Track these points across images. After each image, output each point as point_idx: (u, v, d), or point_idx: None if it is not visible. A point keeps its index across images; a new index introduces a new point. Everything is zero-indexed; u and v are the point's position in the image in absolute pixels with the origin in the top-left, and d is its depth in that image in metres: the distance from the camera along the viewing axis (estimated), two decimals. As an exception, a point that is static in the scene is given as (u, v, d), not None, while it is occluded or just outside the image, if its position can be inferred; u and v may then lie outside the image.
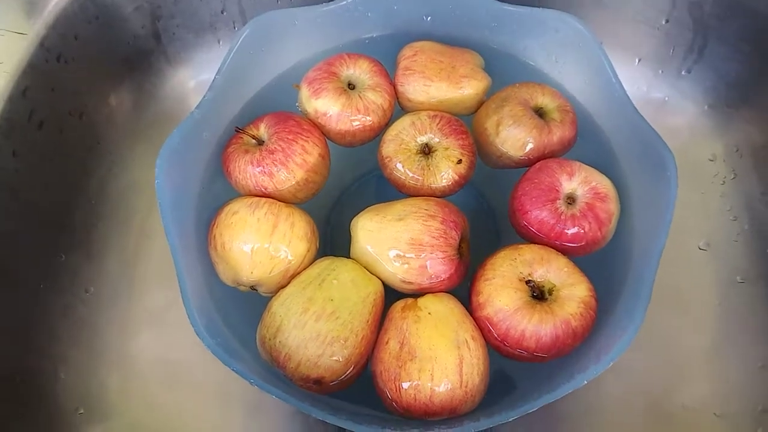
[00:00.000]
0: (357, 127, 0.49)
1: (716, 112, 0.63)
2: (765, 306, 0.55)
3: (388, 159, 0.49)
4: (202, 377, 0.52)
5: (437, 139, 0.48)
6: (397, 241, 0.44)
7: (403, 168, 0.48)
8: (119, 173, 0.61)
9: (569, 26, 0.49)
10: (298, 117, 0.49)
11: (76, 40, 0.55)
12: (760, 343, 0.53)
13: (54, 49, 0.53)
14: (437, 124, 0.49)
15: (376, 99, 0.49)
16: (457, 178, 0.48)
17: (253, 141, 0.48)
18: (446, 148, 0.48)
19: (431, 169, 0.48)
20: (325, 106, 0.48)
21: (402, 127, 0.49)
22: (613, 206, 0.45)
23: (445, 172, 0.48)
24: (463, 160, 0.48)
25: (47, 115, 0.53)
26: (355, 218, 0.46)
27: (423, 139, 0.49)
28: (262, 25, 0.50)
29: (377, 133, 0.51)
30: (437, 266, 0.43)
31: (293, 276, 0.45)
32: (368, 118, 0.49)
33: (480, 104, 0.52)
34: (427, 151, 0.49)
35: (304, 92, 0.50)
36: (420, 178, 0.48)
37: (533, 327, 0.40)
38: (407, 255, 0.43)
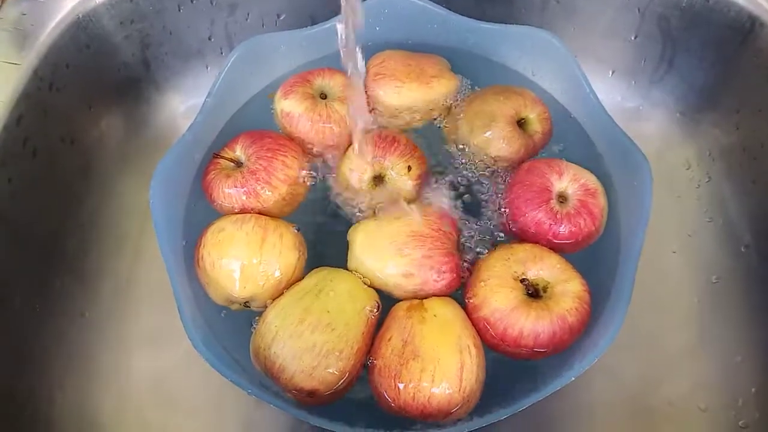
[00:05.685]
0: (318, 130, 0.50)
1: (687, 118, 0.65)
2: (740, 303, 0.56)
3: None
4: (197, 399, 0.52)
5: (378, 164, 0.49)
6: (397, 235, 0.44)
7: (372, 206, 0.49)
8: (110, 198, 0.61)
9: (545, 42, 0.51)
10: (273, 133, 0.50)
11: (67, 69, 0.56)
12: (737, 338, 0.55)
13: (47, 78, 0.54)
14: (373, 153, 0.49)
15: (341, 109, 0.51)
16: (420, 182, 0.49)
17: (232, 164, 0.48)
18: (391, 168, 0.49)
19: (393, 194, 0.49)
20: (291, 106, 0.50)
21: (344, 178, 0.49)
22: (603, 200, 0.46)
23: (404, 186, 0.49)
24: (411, 165, 0.49)
25: (40, 142, 0.53)
26: (352, 227, 0.47)
27: (366, 177, 0.49)
28: (251, 48, 0.51)
29: (342, 147, 0.52)
30: (439, 258, 0.44)
31: (285, 288, 0.45)
32: (330, 125, 0.50)
33: (450, 106, 0.53)
34: (379, 182, 0.49)
35: (278, 94, 0.52)
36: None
37: (531, 325, 0.41)
38: (408, 249, 0.44)
